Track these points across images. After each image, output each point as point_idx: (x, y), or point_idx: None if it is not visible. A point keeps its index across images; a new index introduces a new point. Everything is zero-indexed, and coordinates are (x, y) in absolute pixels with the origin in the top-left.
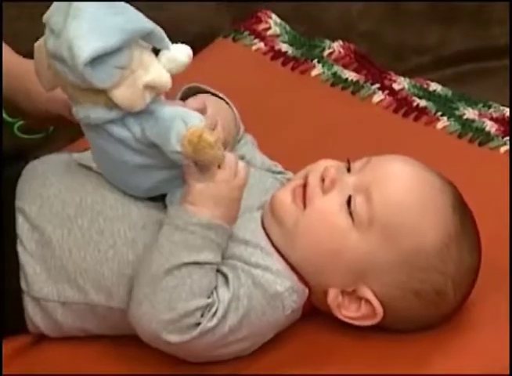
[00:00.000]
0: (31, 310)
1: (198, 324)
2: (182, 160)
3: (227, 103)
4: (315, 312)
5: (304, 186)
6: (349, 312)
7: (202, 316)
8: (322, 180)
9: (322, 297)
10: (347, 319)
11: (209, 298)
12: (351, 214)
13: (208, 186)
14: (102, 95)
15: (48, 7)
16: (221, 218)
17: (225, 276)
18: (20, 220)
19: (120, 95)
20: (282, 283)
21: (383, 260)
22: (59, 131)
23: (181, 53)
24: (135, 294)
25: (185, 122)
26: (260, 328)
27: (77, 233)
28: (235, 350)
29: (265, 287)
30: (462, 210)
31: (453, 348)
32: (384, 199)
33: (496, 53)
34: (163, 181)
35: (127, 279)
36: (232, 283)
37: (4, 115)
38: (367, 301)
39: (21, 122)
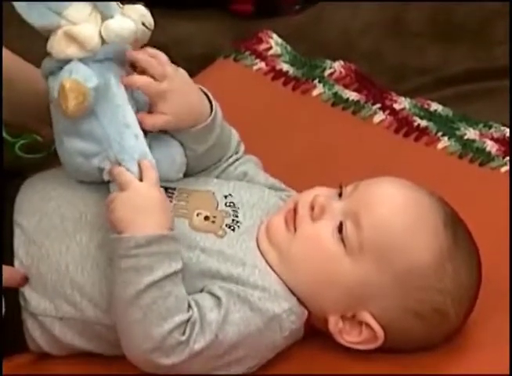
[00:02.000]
0: (30, 326)
1: (182, 343)
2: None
3: (209, 100)
4: (317, 333)
5: (295, 210)
6: (351, 337)
7: (183, 333)
8: (312, 208)
9: (322, 322)
10: (350, 345)
11: (184, 313)
12: (342, 240)
13: (125, 199)
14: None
15: None
16: (157, 226)
17: (219, 299)
18: (18, 234)
19: (50, 40)
20: (280, 305)
21: (379, 284)
22: None
23: (119, 24)
24: (117, 329)
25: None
26: (258, 350)
27: (75, 249)
28: (237, 370)
29: (263, 310)
30: (454, 226)
31: (454, 369)
32: (372, 223)
33: (497, 74)
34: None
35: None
36: (225, 308)
37: (4, 134)
38: (367, 325)
39: (22, 141)
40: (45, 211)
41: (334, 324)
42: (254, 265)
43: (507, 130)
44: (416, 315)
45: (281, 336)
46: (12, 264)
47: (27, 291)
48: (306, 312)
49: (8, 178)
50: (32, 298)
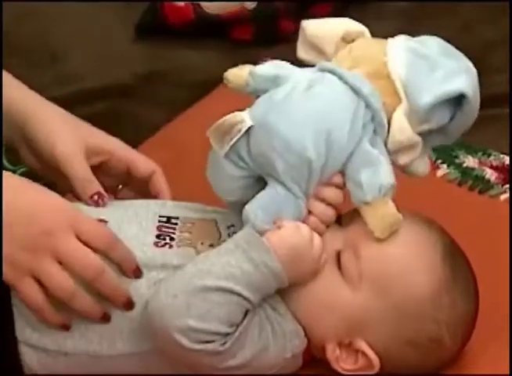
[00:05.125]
0: (28, 358)
1: (213, 342)
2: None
3: None
4: (315, 363)
5: None
6: (347, 364)
7: (221, 340)
8: None
9: (320, 350)
10: (346, 372)
11: (231, 327)
12: (340, 270)
13: (299, 238)
14: None
15: (45, 52)
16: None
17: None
18: None
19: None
20: (287, 326)
21: (375, 314)
22: None
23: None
24: (172, 284)
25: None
26: (259, 364)
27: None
28: (231, 371)
29: (274, 324)
30: (452, 257)
31: None
32: (371, 254)
33: (496, 101)
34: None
35: (131, 321)
36: (248, 320)
37: (5, 162)
38: (363, 353)
39: (22, 169)
40: None
41: (331, 352)
42: None
43: (506, 158)
44: (411, 344)
45: (284, 356)
46: (9, 295)
47: (30, 323)
48: (306, 341)
49: None
50: (35, 329)
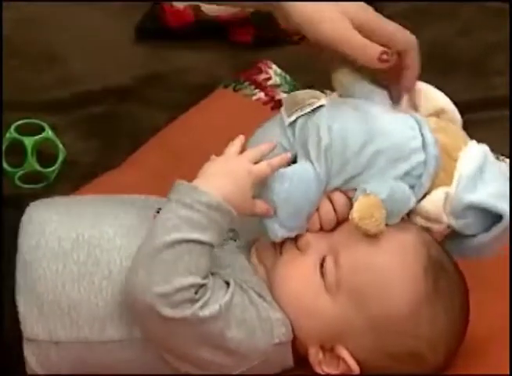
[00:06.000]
0: (26, 352)
1: (191, 301)
2: None
3: None
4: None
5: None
6: (329, 369)
7: (196, 293)
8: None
9: (304, 350)
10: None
11: (205, 278)
12: (322, 276)
13: (225, 160)
14: None
15: (45, 54)
16: (229, 198)
17: (227, 283)
18: (17, 258)
19: None
20: (274, 313)
21: (353, 324)
22: (60, 181)
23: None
24: (133, 262)
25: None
26: (248, 348)
27: (72, 267)
28: (219, 361)
29: (259, 308)
30: (436, 271)
31: None
32: (350, 263)
33: (496, 103)
34: None
35: (120, 306)
36: (232, 291)
37: (4, 165)
38: (344, 360)
39: (22, 172)
40: (43, 234)
41: (314, 355)
42: (251, 273)
43: (507, 160)
44: (391, 357)
45: (271, 342)
46: (13, 288)
47: (22, 315)
48: (292, 335)
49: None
50: (27, 322)
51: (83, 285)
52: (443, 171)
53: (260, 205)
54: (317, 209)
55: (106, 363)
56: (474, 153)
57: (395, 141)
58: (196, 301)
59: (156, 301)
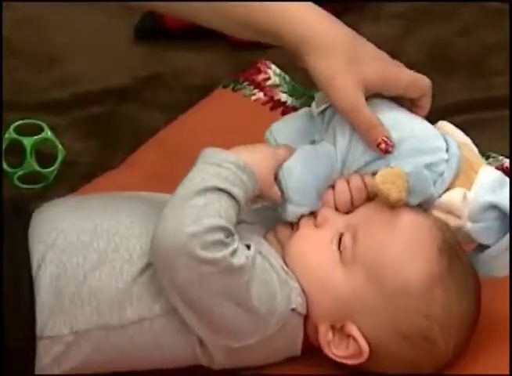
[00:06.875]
0: (41, 352)
1: (223, 244)
2: None
3: None
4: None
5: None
6: (339, 350)
7: (227, 237)
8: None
9: (314, 332)
10: (336, 358)
11: (233, 229)
12: (339, 250)
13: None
14: None
15: (44, 54)
16: (257, 167)
17: (247, 246)
18: (36, 258)
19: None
20: (291, 281)
21: (367, 300)
22: (59, 181)
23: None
24: (162, 214)
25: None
26: (268, 309)
27: (93, 256)
28: (238, 321)
29: (279, 272)
30: (451, 253)
31: None
32: (367, 238)
33: (496, 104)
34: None
35: (141, 286)
36: (254, 250)
37: (4, 165)
38: (354, 339)
39: (21, 172)
40: (61, 229)
41: (324, 334)
42: (269, 248)
43: (506, 160)
44: (403, 337)
45: (289, 306)
46: (32, 288)
47: (45, 315)
48: (306, 310)
49: (13, 210)
50: (47, 320)
51: (104, 272)
52: (463, 175)
53: (275, 190)
54: (333, 187)
55: (123, 350)
56: (495, 171)
57: (419, 135)
58: (227, 245)
59: (188, 242)
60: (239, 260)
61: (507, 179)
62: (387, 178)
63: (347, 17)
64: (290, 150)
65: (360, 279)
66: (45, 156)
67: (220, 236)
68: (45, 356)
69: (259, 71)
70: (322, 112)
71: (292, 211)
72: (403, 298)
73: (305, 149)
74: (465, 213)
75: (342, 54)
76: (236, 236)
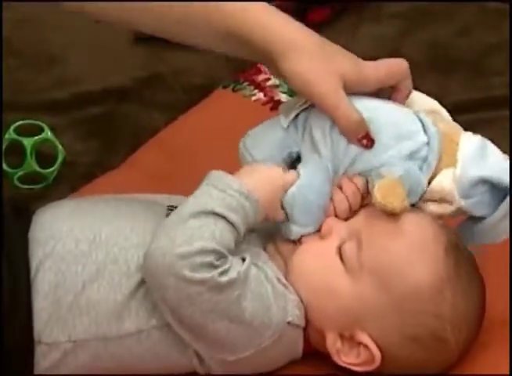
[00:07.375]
0: (40, 358)
1: (211, 267)
2: None
3: None
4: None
5: None
6: (349, 358)
7: (217, 260)
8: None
9: (320, 339)
10: (348, 366)
11: (226, 251)
12: (342, 259)
13: (257, 166)
14: None
15: (44, 54)
16: (260, 196)
17: (244, 259)
18: (33, 265)
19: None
20: (289, 293)
21: (376, 305)
22: (59, 181)
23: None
24: (156, 233)
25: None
26: (262, 322)
27: (91, 267)
28: (232, 336)
29: (275, 284)
30: (456, 254)
31: None
32: (373, 244)
33: (495, 104)
34: None
35: (139, 299)
36: (248, 263)
37: (4, 165)
38: (365, 346)
39: (21, 172)
40: (59, 237)
41: (332, 343)
42: (267, 259)
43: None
44: (414, 340)
45: (285, 319)
46: (29, 291)
47: (43, 322)
48: (305, 322)
49: (13, 211)
50: (46, 326)
51: (102, 284)
52: (446, 155)
53: (280, 213)
54: (331, 199)
55: (121, 359)
56: (474, 137)
57: (395, 120)
58: (216, 267)
59: (176, 262)
60: (229, 276)
61: (488, 143)
62: (387, 191)
63: (347, 17)
64: (297, 175)
65: (368, 286)
66: (45, 156)
67: (210, 258)
68: (43, 361)
69: (259, 71)
70: (294, 119)
71: (296, 231)
72: (413, 301)
73: (307, 172)
74: (456, 195)
75: (315, 54)
76: (230, 258)
